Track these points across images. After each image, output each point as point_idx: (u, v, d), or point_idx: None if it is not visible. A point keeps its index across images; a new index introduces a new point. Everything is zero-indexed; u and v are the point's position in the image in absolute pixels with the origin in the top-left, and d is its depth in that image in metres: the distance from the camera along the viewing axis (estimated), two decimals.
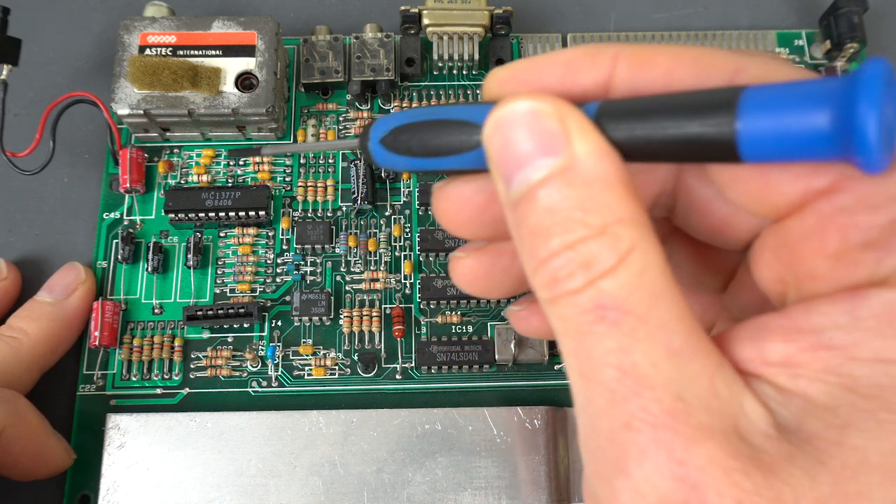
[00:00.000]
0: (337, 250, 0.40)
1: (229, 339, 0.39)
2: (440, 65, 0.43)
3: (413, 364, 0.39)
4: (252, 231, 0.41)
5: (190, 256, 0.39)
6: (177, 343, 0.38)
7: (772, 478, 0.16)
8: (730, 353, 0.18)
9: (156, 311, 0.39)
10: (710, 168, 0.20)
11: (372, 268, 0.40)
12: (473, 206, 0.22)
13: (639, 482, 0.16)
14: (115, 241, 0.40)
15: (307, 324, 0.39)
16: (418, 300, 0.39)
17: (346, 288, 0.40)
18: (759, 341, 0.18)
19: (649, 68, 0.20)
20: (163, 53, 0.39)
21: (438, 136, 0.21)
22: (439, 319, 0.39)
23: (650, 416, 0.16)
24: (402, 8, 0.42)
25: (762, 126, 0.17)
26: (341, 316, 0.39)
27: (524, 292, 0.25)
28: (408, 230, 0.41)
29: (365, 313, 0.39)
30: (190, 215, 0.39)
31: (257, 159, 0.42)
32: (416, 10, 0.42)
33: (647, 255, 0.17)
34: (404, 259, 0.40)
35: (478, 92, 0.43)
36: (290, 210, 0.41)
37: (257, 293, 0.40)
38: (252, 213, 0.39)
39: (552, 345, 0.38)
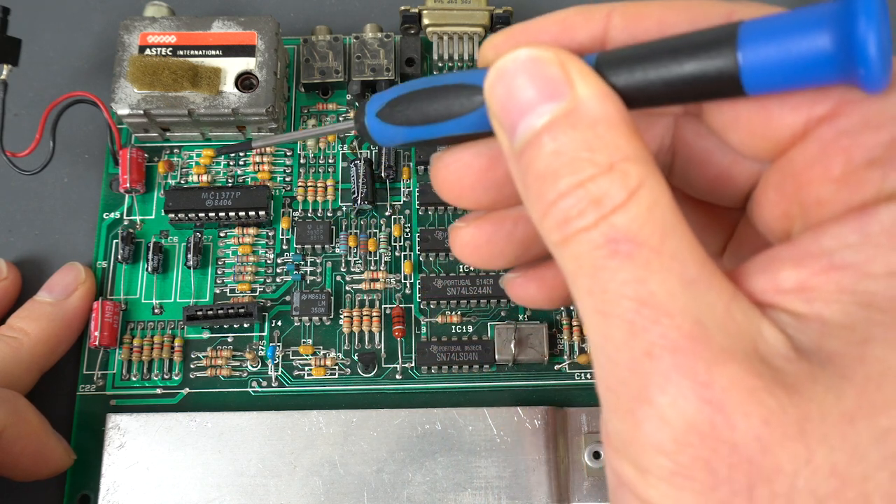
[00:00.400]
0: (337, 250, 0.40)
1: (229, 339, 0.39)
2: (440, 65, 0.43)
3: (413, 364, 0.39)
4: (252, 231, 0.41)
5: (190, 256, 0.39)
6: (177, 343, 0.38)
7: (796, 396, 0.16)
8: (743, 287, 0.18)
9: (156, 311, 0.39)
10: (709, 113, 0.20)
11: (372, 268, 0.40)
12: (474, 171, 0.22)
13: (663, 408, 0.16)
14: (115, 241, 0.40)
15: (307, 324, 0.39)
16: (418, 300, 0.39)
17: (346, 288, 0.40)
18: (772, 271, 0.18)
19: (642, 19, 0.20)
20: (163, 53, 0.39)
21: (437, 102, 0.21)
22: (439, 319, 0.39)
23: (670, 343, 0.16)
24: (402, 8, 0.42)
25: (764, 55, 0.17)
26: (341, 316, 0.39)
27: (524, 262, 0.25)
28: (408, 230, 0.41)
29: (365, 313, 0.39)
30: (190, 215, 0.39)
31: (257, 159, 0.42)
32: (416, 10, 0.42)
33: (655, 190, 0.17)
34: (404, 259, 0.40)
35: None
36: (290, 210, 0.41)
37: (257, 293, 0.40)
38: (252, 213, 0.39)
39: (552, 344, 0.38)
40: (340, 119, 0.43)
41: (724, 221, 0.24)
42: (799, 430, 0.16)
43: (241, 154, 0.42)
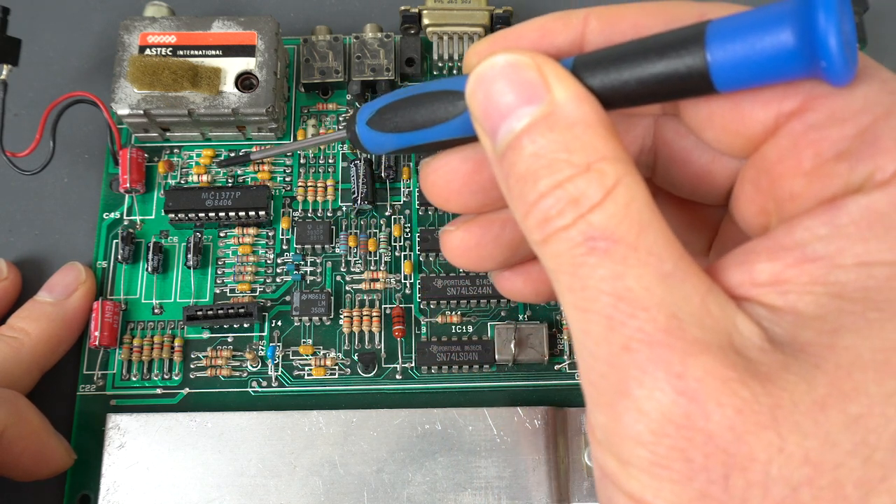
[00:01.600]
0: (337, 250, 0.40)
1: (229, 339, 0.39)
2: (440, 65, 0.43)
3: (413, 364, 0.39)
4: (252, 231, 0.41)
5: (190, 256, 0.39)
6: (177, 343, 0.38)
7: (769, 385, 0.16)
8: (720, 281, 0.18)
9: (156, 311, 0.39)
10: (685, 112, 0.21)
11: (372, 268, 0.40)
12: (461, 175, 0.23)
13: (640, 401, 0.17)
14: (115, 241, 0.40)
15: (307, 324, 0.39)
16: (418, 300, 0.39)
17: (346, 288, 0.40)
18: (747, 265, 0.18)
19: (618, 22, 0.21)
20: (163, 53, 0.39)
21: (423, 109, 0.22)
22: (439, 319, 0.39)
23: (647, 336, 0.17)
24: (402, 8, 0.42)
25: (731, 52, 0.18)
26: (341, 316, 0.39)
27: (512, 263, 0.25)
28: (408, 230, 0.41)
29: (365, 313, 0.39)
30: (190, 215, 0.39)
31: (256, 160, 0.42)
32: (416, 10, 0.42)
33: (631, 188, 0.18)
34: (404, 259, 0.40)
35: None
36: (290, 210, 0.41)
37: (257, 293, 0.40)
38: (252, 213, 0.39)
39: (552, 344, 0.38)
40: (340, 119, 0.43)
41: (708, 220, 0.25)
42: (772, 418, 0.16)
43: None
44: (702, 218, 0.25)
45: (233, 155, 0.42)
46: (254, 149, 0.33)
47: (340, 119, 0.43)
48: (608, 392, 0.17)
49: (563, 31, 0.21)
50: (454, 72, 0.44)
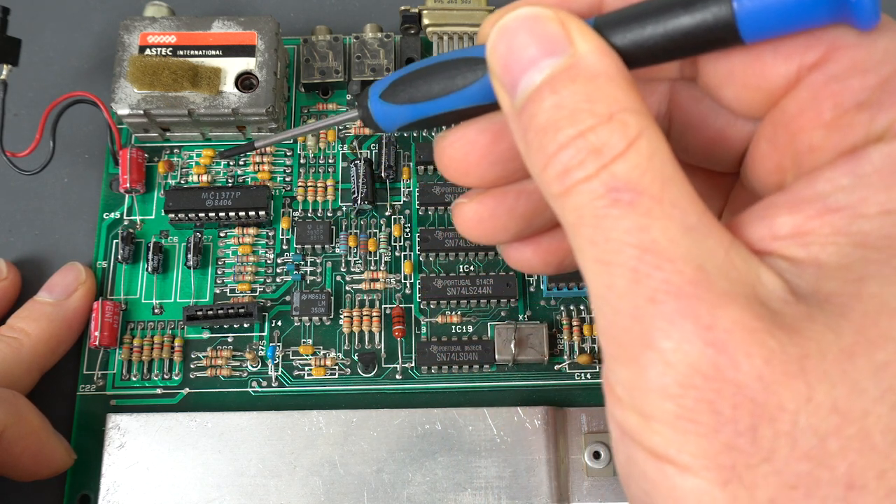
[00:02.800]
0: (337, 250, 0.40)
1: (229, 339, 0.39)
2: None
3: (413, 364, 0.39)
4: (252, 231, 0.41)
5: (190, 256, 0.39)
6: (177, 343, 0.38)
7: (796, 336, 0.16)
8: (741, 237, 0.18)
9: (156, 311, 0.39)
10: (704, 71, 0.21)
11: (372, 268, 0.40)
12: (479, 147, 0.23)
13: (667, 353, 0.16)
14: (115, 241, 0.40)
15: (307, 324, 0.39)
16: (418, 300, 0.39)
17: (346, 288, 0.40)
18: (768, 219, 0.18)
19: None
20: (163, 53, 0.39)
21: (440, 77, 0.22)
22: (439, 319, 0.39)
23: (673, 287, 0.16)
24: (402, 8, 0.42)
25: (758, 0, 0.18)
26: (341, 316, 0.39)
27: (525, 236, 0.25)
28: (408, 230, 0.41)
29: (365, 313, 0.39)
30: (190, 215, 0.39)
31: (257, 158, 0.42)
32: (416, 10, 0.42)
33: (654, 140, 0.18)
34: (404, 259, 0.40)
35: None
36: (290, 210, 0.41)
37: (257, 293, 0.40)
38: (252, 213, 0.39)
39: (552, 344, 0.38)
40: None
41: (720, 188, 0.25)
42: (800, 368, 0.16)
43: (242, 154, 0.42)
44: (713, 187, 0.25)
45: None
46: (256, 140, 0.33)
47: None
48: (632, 346, 0.17)
49: None
50: None
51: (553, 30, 0.19)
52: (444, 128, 0.23)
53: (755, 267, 0.17)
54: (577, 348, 0.39)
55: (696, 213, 0.17)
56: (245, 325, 0.39)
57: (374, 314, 0.39)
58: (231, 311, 0.38)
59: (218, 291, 0.40)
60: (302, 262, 0.40)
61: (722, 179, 0.24)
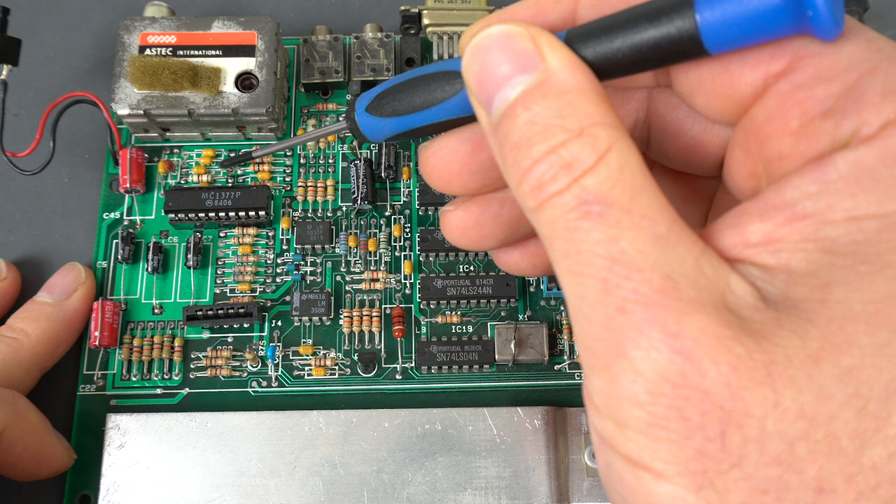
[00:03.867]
0: (337, 250, 0.40)
1: (229, 339, 0.39)
2: None
3: (413, 364, 0.39)
4: (252, 231, 0.41)
5: (190, 256, 0.39)
6: (177, 343, 0.38)
7: (763, 342, 0.16)
8: (713, 244, 0.19)
9: (156, 311, 0.39)
10: (676, 80, 0.21)
11: (372, 268, 0.40)
12: (460, 156, 0.24)
13: (637, 362, 0.17)
14: (115, 241, 0.40)
15: (307, 324, 0.39)
16: (418, 300, 0.39)
17: (346, 288, 0.40)
18: (740, 227, 0.18)
19: None
20: (163, 53, 0.39)
21: (421, 90, 0.22)
22: (439, 319, 0.39)
23: (641, 297, 0.17)
24: (402, 8, 0.42)
25: (720, 12, 0.18)
26: (341, 316, 0.39)
27: (512, 242, 0.25)
28: (408, 230, 0.41)
29: (365, 313, 0.39)
30: (190, 215, 0.39)
31: (257, 159, 0.42)
32: (416, 10, 0.42)
33: (624, 153, 0.18)
34: (404, 259, 0.40)
35: None
36: (290, 210, 0.41)
37: (257, 293, 0.40)
38: (252, 213, 0.39)
39: (552, 344, 0.38)
40: (340, 119, 0.43)
41: (703, 192, 0.25)
42: (766, 374, 0.16)
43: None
44: (697, 190, 0.25)
45: (233, 155, 0.42)
46: (254, 148, 0.34)
47: (340, 119, 0.43)
48: (604, 355, 0.17)
49: (556, 7, 0.22)
50: None
51: (525, 46, 0.19)
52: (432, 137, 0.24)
53: (725, 274, 0.18)
54: (577, 348, 0.39)
55: (667, 222, 0.18)
56: (245, 325, 0.39)
57: (374, 314, 0.39)
58: (231, 311, 0.38)
59: (218, 291, 0.40)
60: (302, 262, 0.40)
61: (705, 184, 0.25)
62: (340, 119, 0.43)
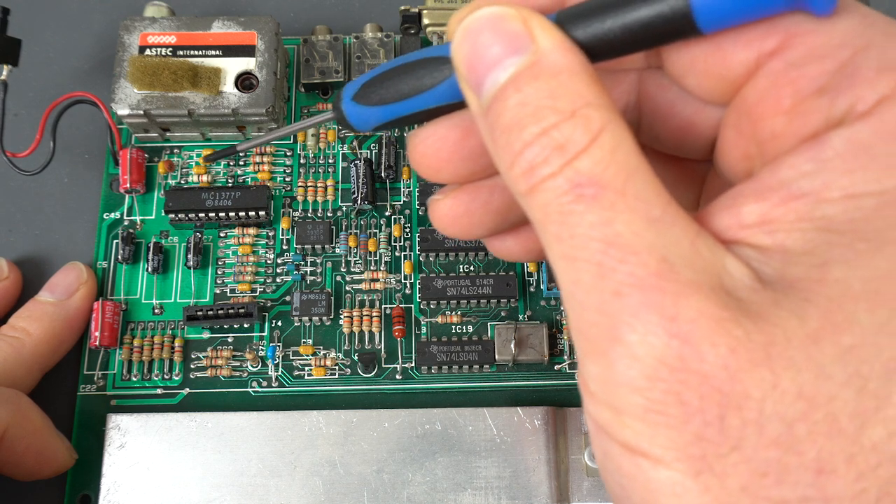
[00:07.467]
0: (337, 250, 0.40)
1: (229, 340, 0.39)
2: None
3: (413, 364, 0.39)
4: (252, 231, 0.41)
5: (190, 256, 0.39)
6: (177, 343, 0.38)
7: (761, 323, 0.16)
8: (708, 227, 0.18)
9: (156, 311, 0.39)
10: (668, 61, 0.21)
11: (372, 268, 0.40)
12: (450, 143, 0.23)
13: (633, 346, 0.16)
14: (115, 241, 0.40)
15: (307, 324, 0.39)
16: (418, 300, 0.39)
17: (346, 288, 0.40)
18: (735, 208, 0.18)
19: None
20: (163, 53, 0.40)
21: (409, 77, 0.22)
22: (439, 319, 0.39)
23: (637, 280, 0.16)
24: (402, 8, 0.42)
25: None
26: (341, 316, 0.39)
27: (502, 231, 0.25)
28: (408, 230, 0.41)
29: (365, 313, 0.39)
30: (190, 215, 0.39)
31: (257, 159, 0.42)
32: (416, 10, 0.42)
33: (617, 134, 0.18)
34: (404, 259, 0.40)
35: None
36: (290, 210, 0.41)
37: (257, 293, 0.40)
38: (252, 213, 0.39)
39: (552, 344, 0.38)
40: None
41: (694, 176, 0.25)
42: (765, 355, 0.16)
43: (242, 154, 0.42)
44: (688, 175, 0.25)
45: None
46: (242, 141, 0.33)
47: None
48: (600, 340, 0.17)
49: None
50: None
51: (515, 28, 0.19)
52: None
53: (721, 256, 0.17)
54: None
55: (661, 204, 0.17)
56: (245, 326, 0.39)
57: (374, 314, 0.39)
58: (231, 311, 0.38)
59: (218, 291, 0.40)
60: (302, 262, 0.40)
61: (696, 167, 0.24)
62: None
